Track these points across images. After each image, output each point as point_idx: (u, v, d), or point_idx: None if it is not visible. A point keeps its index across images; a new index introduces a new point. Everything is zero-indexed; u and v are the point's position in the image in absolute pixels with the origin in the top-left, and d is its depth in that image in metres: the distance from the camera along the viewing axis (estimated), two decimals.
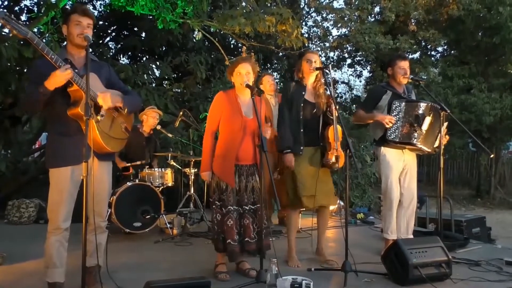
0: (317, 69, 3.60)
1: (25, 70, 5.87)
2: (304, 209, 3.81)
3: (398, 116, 3.75)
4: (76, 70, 2.64)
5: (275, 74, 12.24)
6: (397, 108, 3.77)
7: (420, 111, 3.69)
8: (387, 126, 3.74)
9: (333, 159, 3.55)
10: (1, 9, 2.33)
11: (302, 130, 3.60)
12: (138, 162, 4.95)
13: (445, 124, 3.81)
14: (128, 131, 3.02)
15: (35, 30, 5.89)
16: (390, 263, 3.24)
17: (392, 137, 3.76)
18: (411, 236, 3.97)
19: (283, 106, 3.71)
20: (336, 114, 3.50)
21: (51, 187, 2.74)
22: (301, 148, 3.58)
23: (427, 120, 3.67)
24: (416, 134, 3.69)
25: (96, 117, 2.67)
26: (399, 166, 3.89)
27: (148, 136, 5.35)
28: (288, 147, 3.56)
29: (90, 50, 2.69)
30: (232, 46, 9.73)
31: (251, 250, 3.27)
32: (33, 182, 6.70)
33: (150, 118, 5.27)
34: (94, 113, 2.67)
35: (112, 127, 2.86)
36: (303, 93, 3.66)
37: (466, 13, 9.75)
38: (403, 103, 3.77)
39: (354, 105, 14.49)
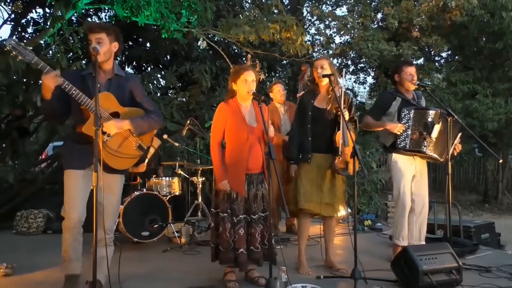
0: (323, 76, 3.59)
1: (31, 82, 5.92)
2: (315, 216, 3.78)
3: (407, 124, 3.73)
4: (99, 85, 2.67)
5: None
6: (406, 116, 3.75)
7: (429, 119, 3.68)
8: (398, 133, 3.74)
9: (340, 165, 3.54)
10: (13, 38, 2.56)
11: (310, 139, 3.59)
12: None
13: (459, 134, 3.80)
14: (143, 149, 2.99)
15: (41, 42, 5.97)
16: (400, 270, 3.22)
17: (402, 145, 3.75)
18: (424, 242, 3.95)
19: (295, 117, 3.85)
20: (346, 118, 3.49)
21: (65, 186, 2.83)
22: (309, 156, 3.57)
23: (437, 127, 3.65)
24: (426, 142, 3.68)
25: (102, 137, 2.69)
26: (411, 172, 3.88)
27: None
28: (292, 159, 3.69)
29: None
30: (236, 54, 9.77)
31: (256, 259, 3.27)
32: (41, 192, 6.70)
33: None
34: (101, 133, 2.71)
35: (122, 145, 2.87)
36: (312, 101, 3.66)
37: (469, 19, 9.73)
38: (412, 111, 3.75)
39: (358, 112, 14.45)
